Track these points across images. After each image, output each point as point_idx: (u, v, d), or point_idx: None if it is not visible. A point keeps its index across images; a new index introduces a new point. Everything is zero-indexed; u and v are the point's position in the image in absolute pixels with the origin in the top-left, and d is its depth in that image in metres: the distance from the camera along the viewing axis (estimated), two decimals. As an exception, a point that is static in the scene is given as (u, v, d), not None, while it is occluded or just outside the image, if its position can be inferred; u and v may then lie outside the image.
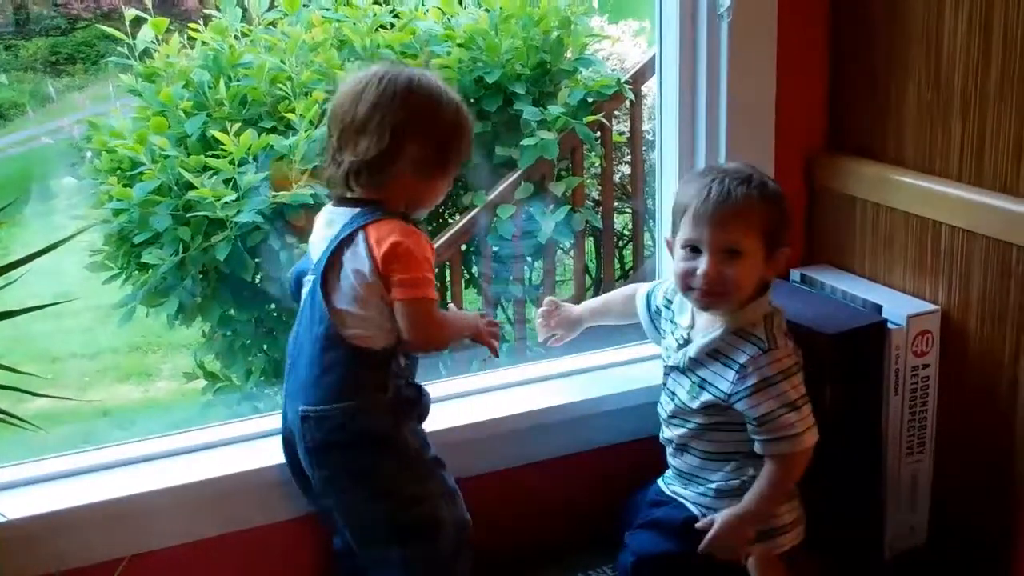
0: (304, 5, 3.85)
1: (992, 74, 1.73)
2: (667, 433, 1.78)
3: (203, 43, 3.82)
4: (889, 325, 1.82)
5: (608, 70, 4.11)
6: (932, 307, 1.85)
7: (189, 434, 1.84)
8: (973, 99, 1.77)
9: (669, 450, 1.79)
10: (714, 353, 1.69)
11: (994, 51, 1.71)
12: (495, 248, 3.84)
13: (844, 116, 2.03)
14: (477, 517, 1.70)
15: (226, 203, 3.40)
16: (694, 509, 1.73)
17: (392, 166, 1.55)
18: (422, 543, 1.61)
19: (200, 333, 3.86)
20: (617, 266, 4.51)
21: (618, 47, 4.48)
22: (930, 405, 1.87)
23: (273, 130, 3.62)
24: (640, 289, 1.90)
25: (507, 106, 3.86)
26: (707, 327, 1.71)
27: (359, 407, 1.55)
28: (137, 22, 3.69)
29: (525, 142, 3.77)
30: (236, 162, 3.45)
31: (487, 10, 3.87)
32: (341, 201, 1.60)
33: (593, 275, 4.59)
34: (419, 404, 1.64)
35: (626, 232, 4.58)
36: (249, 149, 3.47)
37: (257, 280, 3.65)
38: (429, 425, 1.69)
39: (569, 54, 3.96)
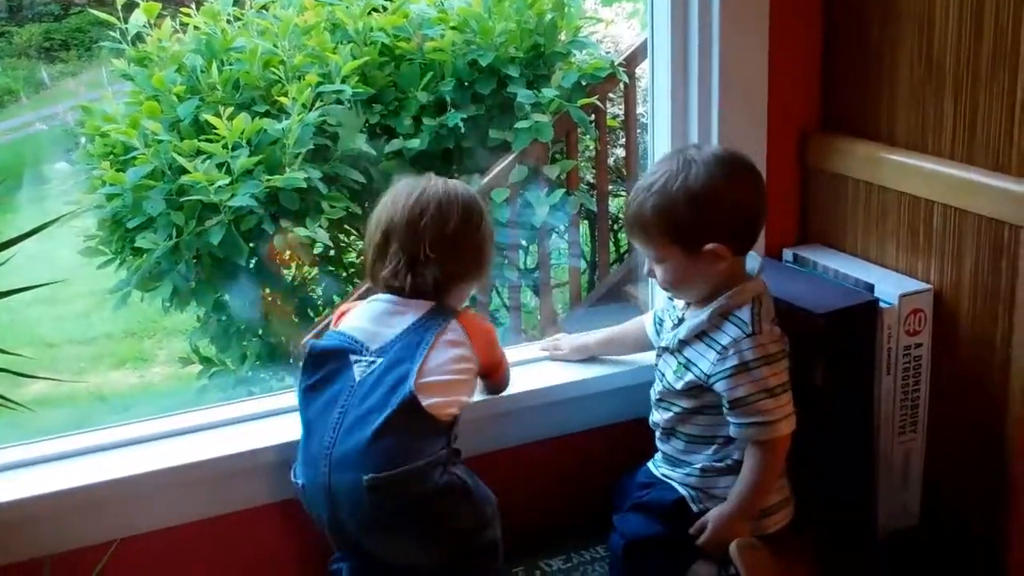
0: (296, -12, 3.84)
1: (984, 52, 1.72)
2: (655, 417, 1.78)
3: (195, 27, 3.82)
4: (881, 304, 1.82)
5: (602, 53, 4.11)
6: (924, 286, 1.85)
7: (180, 416, 1.83)
8: (965, 78, 1.76)
9: (657, 434, 1.79)
10: (701, 334, 1.69)
11: (986, 30, 1.71)
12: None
13: (837, 96, 2.02)
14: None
15: (219, 187, 3.40)
16: (682, 491, 1.73)
17: (426, 275, 1.68)
18: (486, 565, 1.68)
19: (195, 318, 3.87)
20: (612, 249, 4.51)
21: (612, 29, 4.47)
22: (922, 384, 1.87)
23: (266, 114, 3.62)
24: (646, 315, 1.92)
25: (501, 89, 3.86)
26: (698, 308, 1.71)
27: (431, 464, 1.61)
28: (129, 7, 3.69)
29: (519, 125, 3.77)
30: (229, 146, 3.45)
31: (480, -7, 3.86)
32: (394, 291, 1.70)
33: (588, 259, 4.59)
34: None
35: (621, 216, 4.58)
36: (242, 133, 3.47)
37: (251, 265, 3.65)
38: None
39: (563, 37, 3.96)
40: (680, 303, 1.77)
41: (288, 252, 3.69)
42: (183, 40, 3.82)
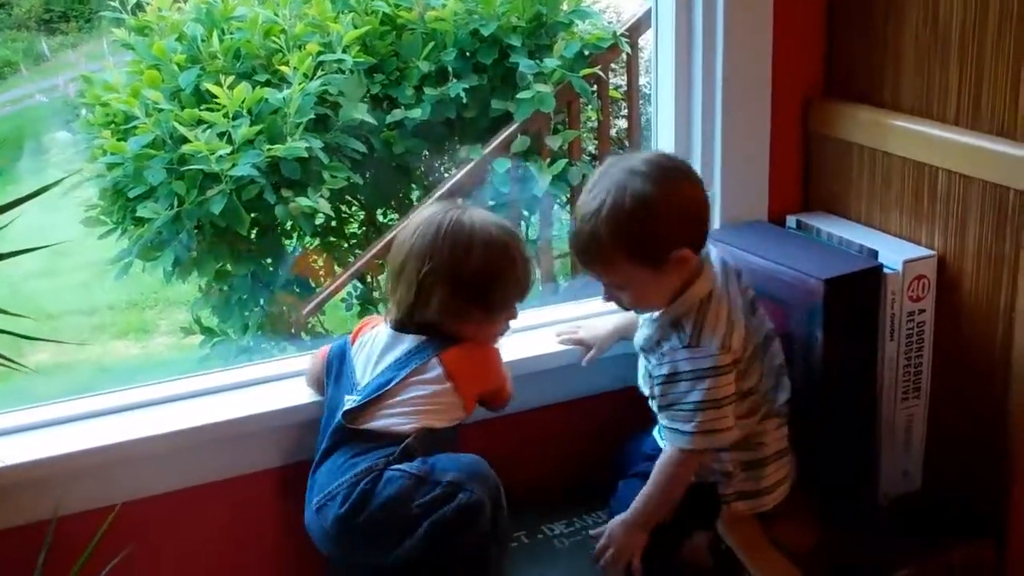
0: (297, -43, 3.82)
1: (990, 17, 1.71)
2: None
3: (195, -4, 3.80)
4: (885, 270, 1.81)
5: (604, 22, 4.09)
6: (928, 252, 1.85)
7: (183, 381, 1.83)
8: (971, 43, 1.75)
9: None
10: (655, 344, 1.67)
11: (992, -7, 1.70)
12: (491, 202, 3.83)
13: (841, 61, 2.01)
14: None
15: (221, 157, 3.40)
16: None
17: (424, 310, 1.66)
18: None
19: (197, 289, 3.87)
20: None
21: (614, -1, 4.45)
22: (925, 350, 1.87)
23: (267, 83, 3.61)
24: None
25: (503, 59, 3.85)
26: (652, 314, 1.70)
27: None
28: (129, -25, 3.67)
29: (521, 95, 3.76)
30: (230, 115, 3.45)
31: (482, -39, 3.84)
32: (397, 323, 1.71)
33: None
34: None
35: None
36: (243, 102, 3.46)
37: (252, 235, 3.65)
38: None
39: (565, 6, 3.94)
40: None
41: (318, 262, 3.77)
42: (184, 9, 3.80)
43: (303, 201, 3.52)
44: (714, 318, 1.63)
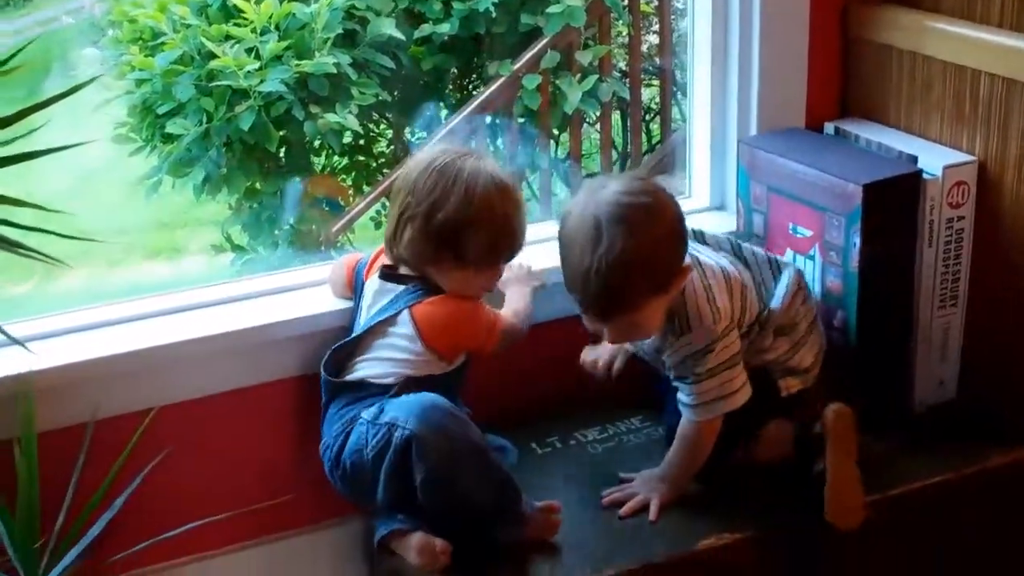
0: None
1: (1039, -87, 1.67)
2: None
3: (223, -91, 3.74)
4: (924, 176, 1.79)
5: (636, -66, 4.02)
6: (969, 158, 1.81)
7: (218, 287, 1.84)
8: (1017, -59, 1.71)
9: None
10: (655, 350, 1.69)
11: None
12: (520, 119, 3.80)
13: (882, -36, 1.96)
14: (520, 369, 1.76)
15: (249, 72, 3.38)
16: None
17: (397, 247, 1.64)
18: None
19: (226, 207, 3.88)
20: (644, 139, 4.46)
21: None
22: (964, 258, 1.85)
23: (295, -2, 3.56)
24: None
25: (534, -29, 3.79)
26: None
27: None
28: None
29: (551, 9, 3.71)
30: (258, 31, 3.42)
31: None
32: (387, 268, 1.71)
33: (620, 148, 4.55)
34: None
35: (653, 105, 4.52)
36: (271, 17, 3.43)
37: (281, 152, 3.65)
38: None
39: (597, -83, 3.87)
40: None
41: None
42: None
43: (331, 118, 3.50)
44: (692, 296, 1.62)
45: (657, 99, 4.43)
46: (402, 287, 1.67)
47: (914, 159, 1.82)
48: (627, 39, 4.09)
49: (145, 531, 1.65)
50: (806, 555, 1.69)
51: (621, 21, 4.03)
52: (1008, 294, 1.82)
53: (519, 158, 3.81)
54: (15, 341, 1.49)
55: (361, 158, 4.06)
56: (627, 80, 4.07)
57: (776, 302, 1.70)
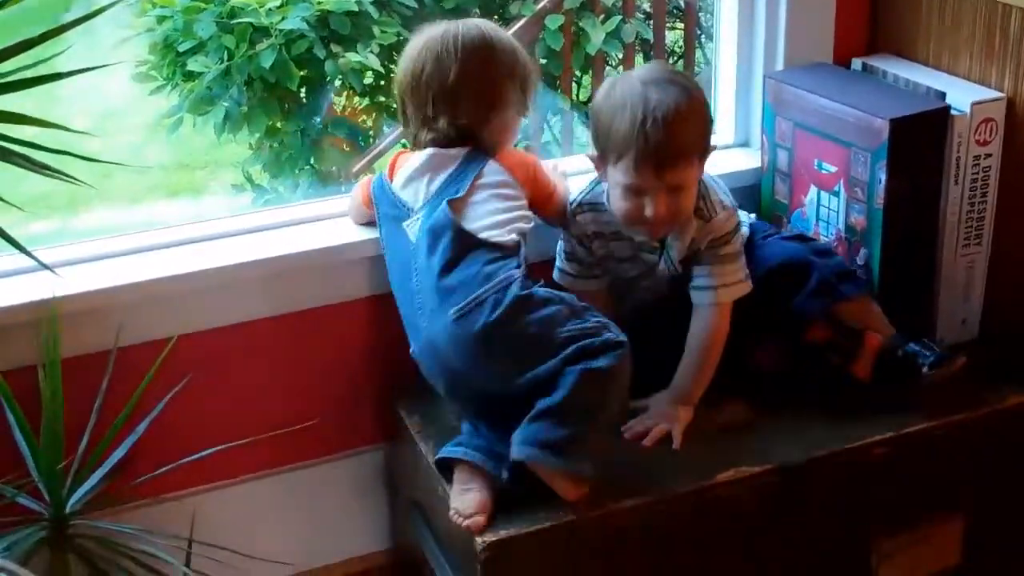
0: None
1: None
2: None
3: None
4: (952, 112, 1.77)
5: None
6: (997, 95, 1.79)
7: (238, 218, 1.85)
8: None
9: None
10: (694, 253, 1.72)
11: None
12: (543, 60, 3.77)
13: None
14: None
15: (270, 10, 3.35)
16: None
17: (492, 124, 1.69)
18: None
19: (247, 147, 3.87)
20: (667, 83, 4.41)
21: None
22: (990, 197, 1.83)
23: (316, -67, 3.53)
24: None
25: (556, -92, 3.73)
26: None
27: (505, 283, 1.59)
28: None
29: (574, -53, 3.66)
30: (280, -33, 3.39)
31: None
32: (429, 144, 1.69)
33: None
34: None
35: (677, 48, 4.47)
36: (292, -46, 3.39)
37: (302, 92, 3.62)
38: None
39: None
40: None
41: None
42: None
43: (353, 57, 3.48)
44: (713, 185, 1.72)
45: (681, 42, 4.38)
46: (463, 149, 1.67)
47: (942, 95, 1.80)
48: (652, -21, 4.04)
49: (168, 456, 1.67)
50: (833, 486, 1.69)
51: (646, -39, 3.98)
52: (1034, 234, 1.81)
53: (541, 101, 3.78)
54: (42, 265, 1.49)
55: (382, 98, 4.03)
56: (650, 22, 4.02)
57: None
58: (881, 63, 1.94)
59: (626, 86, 1.63)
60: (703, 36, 4.13)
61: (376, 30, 3.56)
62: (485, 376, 1.59)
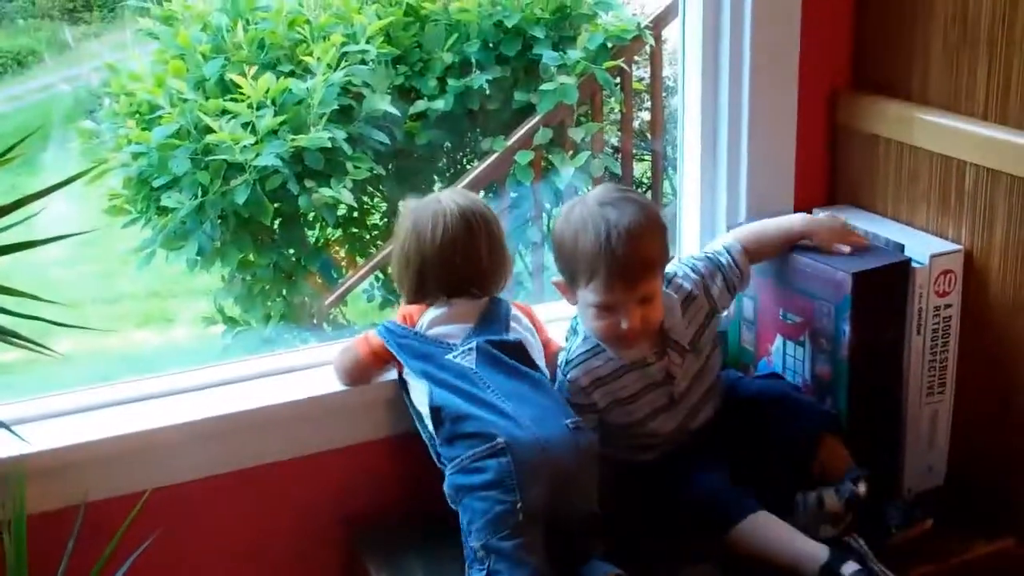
0: (322, -52, 3.83)
1: (1020, 11, 1.70)
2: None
3: (220, -14, 3.81)
4: (912, 264, 1.81)
5: (628, 14, 4.09)
6: (955, 247, 1.84)
7: (209, 370, 1.85)
8: (1000, 36, 1.74)
9: None
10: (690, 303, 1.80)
11: (1023, -12, 1.69)
12: (513, 194, 3.84)
13: (869, 54, 2.00)
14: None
15: (245, 147, 3.41)
16: None
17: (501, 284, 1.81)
18: None
19: (219, 279, 3.89)
20: (635, 214, 4.49)
21: (638, -9, 4.45)
22: (951, 345, 1.86)
23: (291, 74, 3.62)
24: None
25: (526, 50, 3.85)
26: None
27: None
28: (154, -35, 3.68)
29: (544, 87, 3.76)
30: (254, 106, 3.46)
31: (506, -48, 3.84)
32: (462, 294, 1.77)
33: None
34: None
35: (645, 179, 4.56)
36: (267, 93, 3.47)
37: (276, 225, 3.67)
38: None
39: (589, -2, 3.94)
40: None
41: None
42: (208, -1, 3.82)
43: (326, 192, 3.53)
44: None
45: (648, 174, 4.48)
46: (483, 295, 1.76)
47: (902, 247, 1.85)
48: (619, 116, 4.15)
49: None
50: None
51: (614, 99, 4.08)
52: (995, 381, 1.84)
53: (512, 233, 3.84)
54: (5, 427, 1.49)
55: (355, 230, 4.08)
56: (619, 156, 4.12)
57: None
58: (841, 214, 1.98)
59: (584, 209, 1.68)
60: (670, 168, 4.22)
61: (349, 165, 3.62)
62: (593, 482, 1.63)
